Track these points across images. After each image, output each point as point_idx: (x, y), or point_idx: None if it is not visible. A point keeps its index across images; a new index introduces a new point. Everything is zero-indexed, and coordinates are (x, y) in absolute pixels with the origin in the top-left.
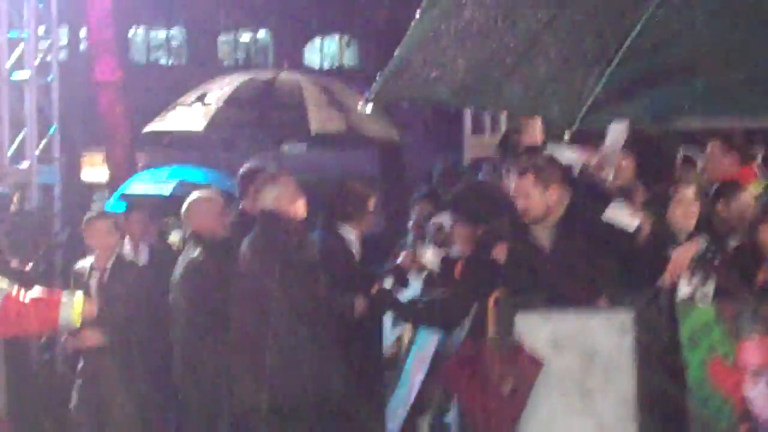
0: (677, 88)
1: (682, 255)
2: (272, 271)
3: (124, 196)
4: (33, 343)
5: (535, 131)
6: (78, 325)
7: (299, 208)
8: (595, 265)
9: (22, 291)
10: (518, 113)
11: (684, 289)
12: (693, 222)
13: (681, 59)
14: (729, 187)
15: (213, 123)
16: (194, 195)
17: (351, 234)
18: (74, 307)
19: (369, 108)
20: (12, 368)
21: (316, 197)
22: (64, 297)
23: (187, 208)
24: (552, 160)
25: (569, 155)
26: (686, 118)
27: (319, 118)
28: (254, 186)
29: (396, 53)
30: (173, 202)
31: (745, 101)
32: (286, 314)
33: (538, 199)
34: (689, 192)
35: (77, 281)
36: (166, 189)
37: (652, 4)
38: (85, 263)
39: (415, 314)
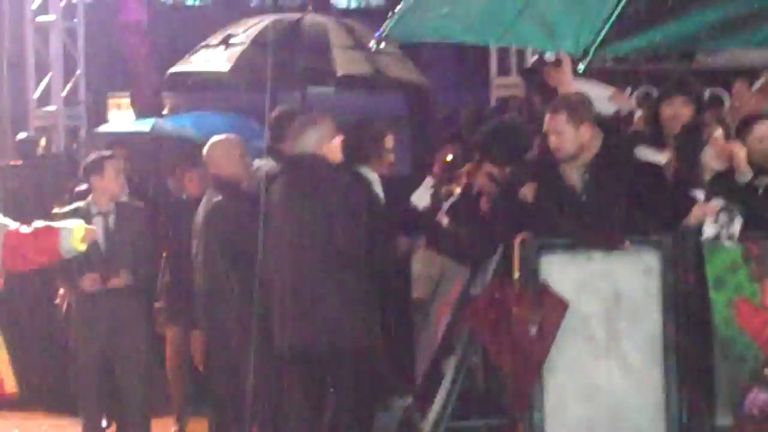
0: (691, 18)
1: (708, 207)
2: (314, 214)
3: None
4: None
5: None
6: (81, 249)
7: (337, 150)
8: (624, 207)
9: (23, 226)
10: (532, 46)
11: (709, 230)
12: (725, 162)
13: None
14: (746, 121)
15: (238, 64)
16: (214, 139)
17: (371, 175)
18: (74, 233)
19: (382, 45)
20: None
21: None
22: (62, 225)
23: (207, 153)
24: (584, 99)
25: (598, 92)
26: (701, 48)
27: (345, 61)
28: (291, 128)
29: None
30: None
31: (758, 32)
32: (320, 259)
33: (570, 137)
34: (720, 132)
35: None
36: (144, 126)
37: None
38: (82, 206)
39: (445, 243)
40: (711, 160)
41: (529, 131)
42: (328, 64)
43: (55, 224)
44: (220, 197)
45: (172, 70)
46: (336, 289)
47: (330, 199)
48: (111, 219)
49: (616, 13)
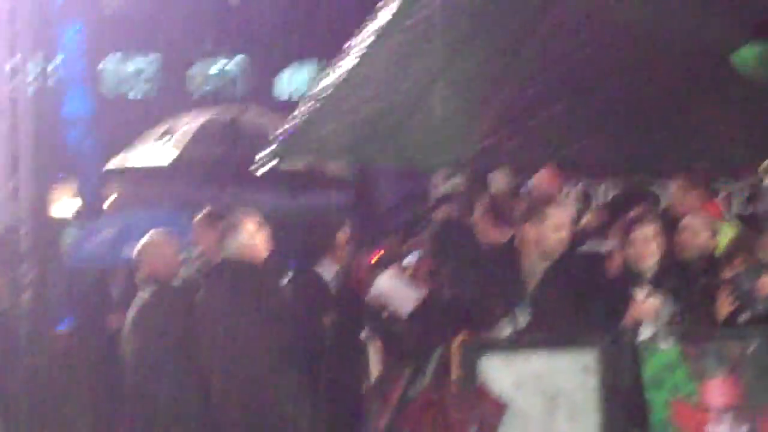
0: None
1: (647, 306)
2: (243, 316)
3: None
4: None
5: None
6: None
7: (262, 250)
8: (569, 307)
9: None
10: (413, 166)
11: (647, 330)
12: (650, 261)
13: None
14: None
15: (179, 158)
16: (147, 236)
17: (329, 271)
18: None
19: (265, 169)
20: None
21: (283, 236)
22: None
23: (140, 251)
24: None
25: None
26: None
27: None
28: (215, 232)
29: (297, 109)
30: None
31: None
32: (255, 359)
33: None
34: (645, 231)
35: None
36: None
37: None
38: None
39: (388, 333)
40: (633, 258)
41: (473, 228)
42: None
43: None
44: (150, 294)
45: (109, 166)
46: (272, 388)
47: (260, 300)
48: None
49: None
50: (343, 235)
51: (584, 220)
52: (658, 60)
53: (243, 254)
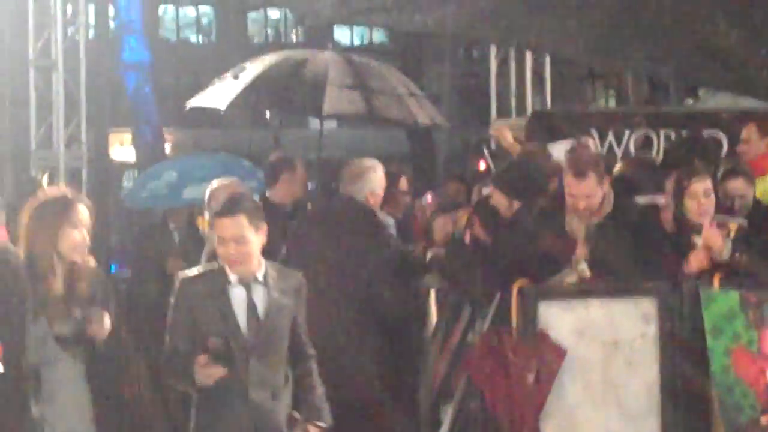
0: None
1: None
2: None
3: None
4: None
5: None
6: None
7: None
8: (623, 262)
9: None
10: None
11: None
12: (705, 216)
13: None
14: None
15: (235, 102)
16: (215, 183)
17: (386, 218)
18: None
19: None
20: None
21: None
22: None
23: (210, 197)
24: (596, 153)
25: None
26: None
27: (336, 99)
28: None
29: None
30: None
31: None
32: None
33: (599, 196)
34: (701, 185)
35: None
36: None
37: None
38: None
39: (454, 273)
40: (691, 212)
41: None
42: (318, 101)
43: None
44: None
45: (192, 104)
46: (360, 338)
47: (366, 249)
48: (260, 292)
49: None
50: (404, 183)
51: (616, 168)
52: None
53: (370, 199)
